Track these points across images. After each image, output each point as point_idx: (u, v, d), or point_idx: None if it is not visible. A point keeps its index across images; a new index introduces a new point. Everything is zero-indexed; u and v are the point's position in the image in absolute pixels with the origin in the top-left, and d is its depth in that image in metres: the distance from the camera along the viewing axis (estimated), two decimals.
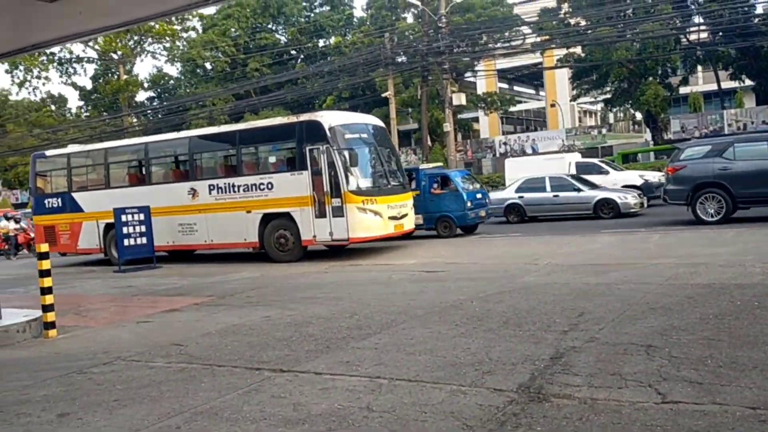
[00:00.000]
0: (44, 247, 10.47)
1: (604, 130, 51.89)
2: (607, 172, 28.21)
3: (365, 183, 17.36)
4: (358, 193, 16.83)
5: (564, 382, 6.46)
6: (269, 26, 50.66)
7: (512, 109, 68.70)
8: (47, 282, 10.25)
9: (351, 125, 17.99)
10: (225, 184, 18.72)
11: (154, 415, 6.26)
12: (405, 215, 18.36)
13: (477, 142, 54.44)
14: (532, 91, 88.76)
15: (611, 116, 61.05)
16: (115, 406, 6.67)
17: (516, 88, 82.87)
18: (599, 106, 67.19)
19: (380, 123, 19.73)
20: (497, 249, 18.99)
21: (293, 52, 50.47)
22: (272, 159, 18.69)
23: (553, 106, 60.15)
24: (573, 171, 28.76)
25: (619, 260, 14.57)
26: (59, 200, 22.72)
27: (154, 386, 7.27)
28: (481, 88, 61.65)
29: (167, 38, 53.51)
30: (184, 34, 54.62)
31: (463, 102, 37.89)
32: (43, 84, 55.73)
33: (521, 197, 26.06)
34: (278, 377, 7.34)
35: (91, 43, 52.46)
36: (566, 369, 6.90)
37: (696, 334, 7.86)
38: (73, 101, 57.47)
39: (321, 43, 50.98)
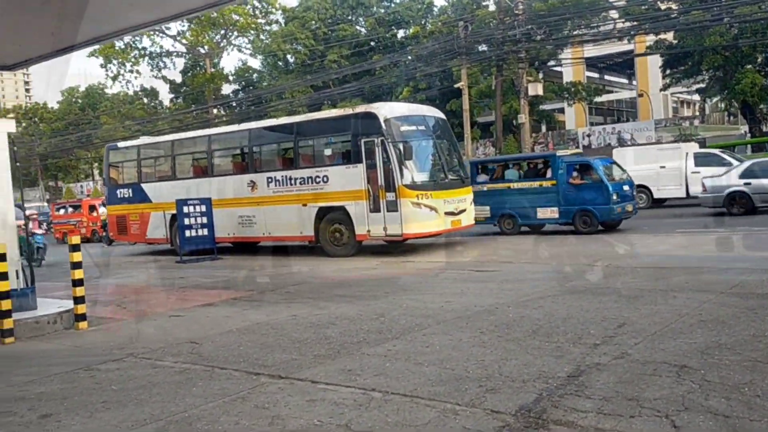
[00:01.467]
0: (76, 240, 10.55)
1: (696, 122, 48.75)
2: (729, 164, 24.81)
3: (420, 177, 16.75)
4: (412, 187, 16.25)
5: (571, 406, 5.75)
6: (348, 17, 50.51)
7: (601, 99, 65.83)
8: (78, 274, 10.32)
9: (408, 117, 17.37)
10: (282, 176, 18.63)
11: (130, 421, 6.03)
12: (463, 210, 17.56)
13: (559, 134, 52.47)
14: (625, 81, 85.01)
15: (707, 107, 57.50)
16: (99, 408, 6.50)
17: (607, 77, 79.54)
18: (697, 96, 63.35)
19: (440, 115, 18.98)
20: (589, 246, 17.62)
21: (372, 43, 50.21)
22: (328, 152, 18.37)
23: (641, 95, 57.13)
24: (691, 162, 26.12)
25: (691, 262, 13.38)
26: (130, 191, 23.39)
27: (148, 388, 7.07)
28: (569, 77, 59.40)
29: (251, 31, 54.44)
30: (267, 27, 55.39)
31: (540, 92, 36.45)
32: (135, 78, 57.81)
33: (748, 184, 21.59)
34: (272, 384, 6.98)
35: (179, 38, 54.11)
36: (580, 390, 6.17)
37: (742, 354, 6.90)
38: (164, 94, 59.31)
39: (400, 33, 50.49)
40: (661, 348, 7.35)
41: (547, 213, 19.90)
